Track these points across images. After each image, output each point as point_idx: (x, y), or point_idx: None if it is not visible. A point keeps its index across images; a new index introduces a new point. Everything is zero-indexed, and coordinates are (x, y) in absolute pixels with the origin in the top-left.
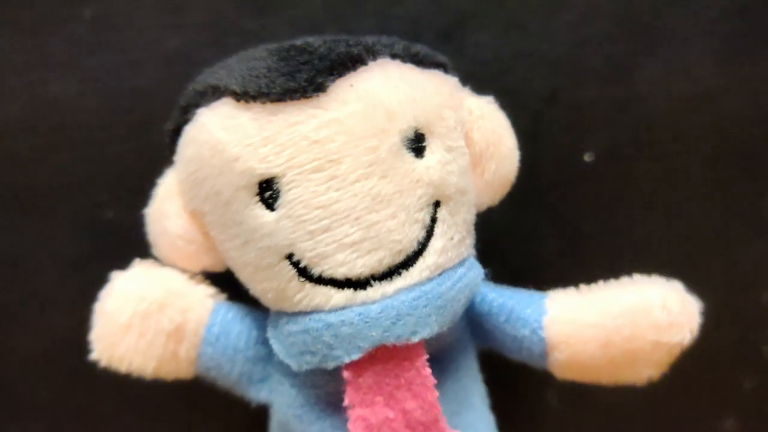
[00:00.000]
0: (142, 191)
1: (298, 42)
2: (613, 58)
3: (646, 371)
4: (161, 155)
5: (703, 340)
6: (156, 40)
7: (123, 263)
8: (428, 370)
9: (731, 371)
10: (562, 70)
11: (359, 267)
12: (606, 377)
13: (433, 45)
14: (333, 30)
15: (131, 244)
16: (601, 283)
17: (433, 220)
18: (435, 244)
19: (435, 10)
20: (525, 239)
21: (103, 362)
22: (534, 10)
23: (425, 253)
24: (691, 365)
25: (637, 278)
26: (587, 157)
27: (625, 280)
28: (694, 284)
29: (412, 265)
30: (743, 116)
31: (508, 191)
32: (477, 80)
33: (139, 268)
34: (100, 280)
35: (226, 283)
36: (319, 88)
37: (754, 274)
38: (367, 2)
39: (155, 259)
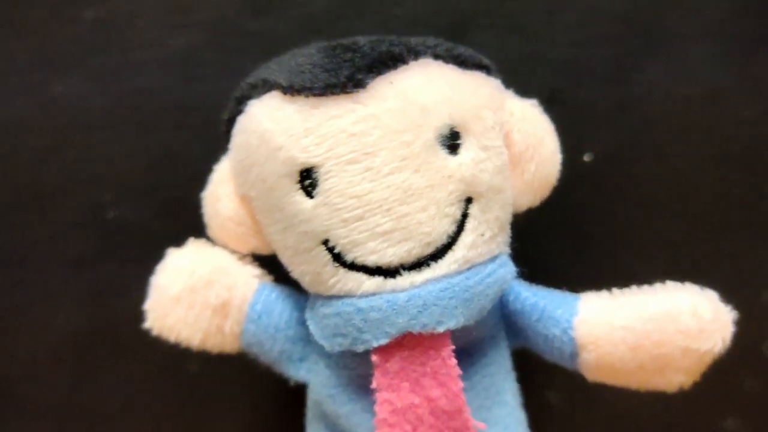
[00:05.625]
0: (146, 190)
1: (346, 41)
2: (615, 59)
3: (676, 378)
4: (165, 154)
5: None
6: (159, 41)
7: (127, 262)
8: (454, 361)
9: (732, 371)
10: (563, 71)
11: (389, 256)
12: (636, 382)
13: None
14: (333, 30)
15: (135, 243)
16: (634, 287)
17: (465, 215)
18: (465, 238)
19: (436, 11)
20: (525, 239)
21: (155, 331)
22: (535, 11)
23: (455, 247)
24: None
25: (671, 285)
26: (587, 157)
27: (658, 286)
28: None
29: (441, 258)
30: (745, 117)
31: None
32: None
33: (192, 245)
34: (105, 279)
35: (273, 265)
36: (359, 85)
37: (754, 274)
38: (369, 3)
39: (207, 239)
